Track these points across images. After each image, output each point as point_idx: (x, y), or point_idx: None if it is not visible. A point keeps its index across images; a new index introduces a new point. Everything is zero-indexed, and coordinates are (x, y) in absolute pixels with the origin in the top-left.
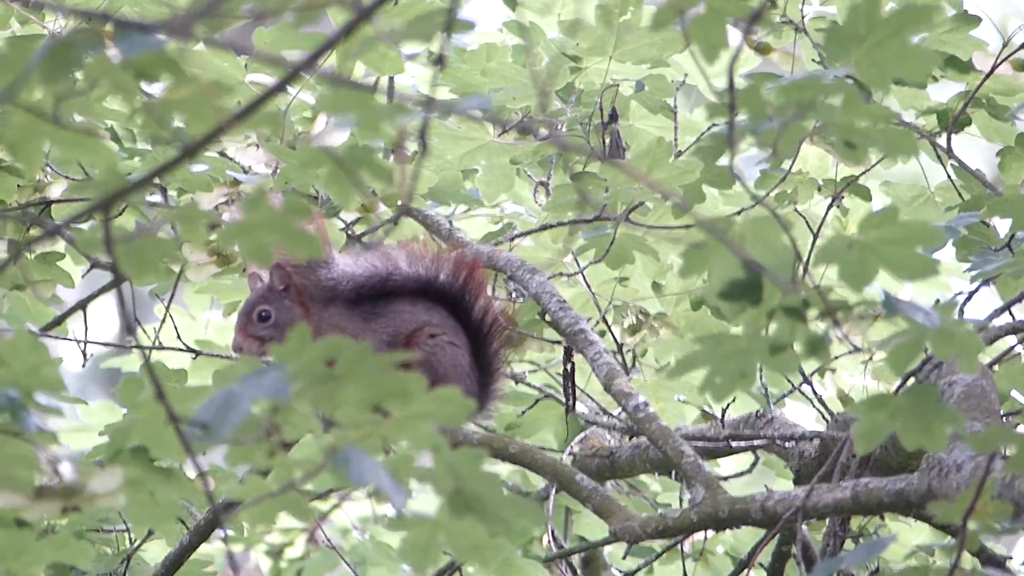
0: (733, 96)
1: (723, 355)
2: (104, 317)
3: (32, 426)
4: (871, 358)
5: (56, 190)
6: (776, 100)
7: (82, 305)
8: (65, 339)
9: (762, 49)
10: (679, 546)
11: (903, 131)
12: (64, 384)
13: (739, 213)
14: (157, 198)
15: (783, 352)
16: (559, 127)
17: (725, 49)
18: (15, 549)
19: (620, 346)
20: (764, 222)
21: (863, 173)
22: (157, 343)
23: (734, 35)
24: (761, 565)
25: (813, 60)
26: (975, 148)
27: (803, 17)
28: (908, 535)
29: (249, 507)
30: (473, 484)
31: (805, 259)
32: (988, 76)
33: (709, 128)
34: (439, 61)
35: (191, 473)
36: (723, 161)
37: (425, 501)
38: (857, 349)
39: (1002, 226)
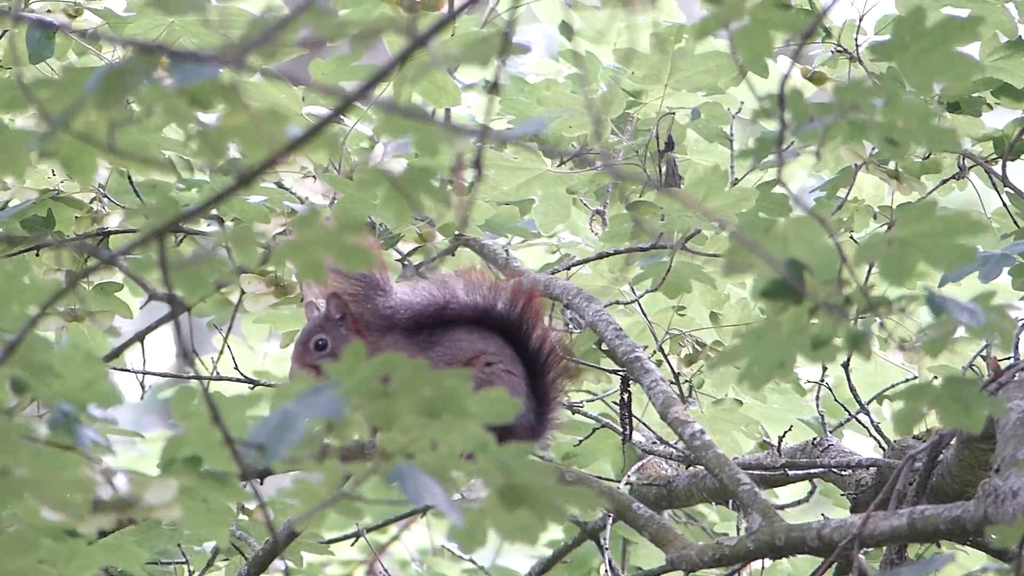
0: (783, 106)
1: (764, 347)
2: (162, 348)
3: (87, 441)
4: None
5: (113, 220)
6: (818, 105)
7: (140, 337)
8: (123, 370)
9: (817, 79)
10: (738, 574)
11: (944, 129)
12: (120, 396)
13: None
14: (215, 229)
15: (825, 347)
16: (615, 156)
17: (770, 58)
18: (66, 554)
19: (677, 376)
20: (806, 223)
21: (920, 200)
22: (215, 372)
23: (786, 63)
24: None
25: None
26: None
27: (857, 46)
28: (965, 563)
29: (305, 516)
30: (523, 477)
31: (849, 259)
32: None
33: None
34: (494, 88)
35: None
36: (772, 180)
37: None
38: (902, 348)
39: None
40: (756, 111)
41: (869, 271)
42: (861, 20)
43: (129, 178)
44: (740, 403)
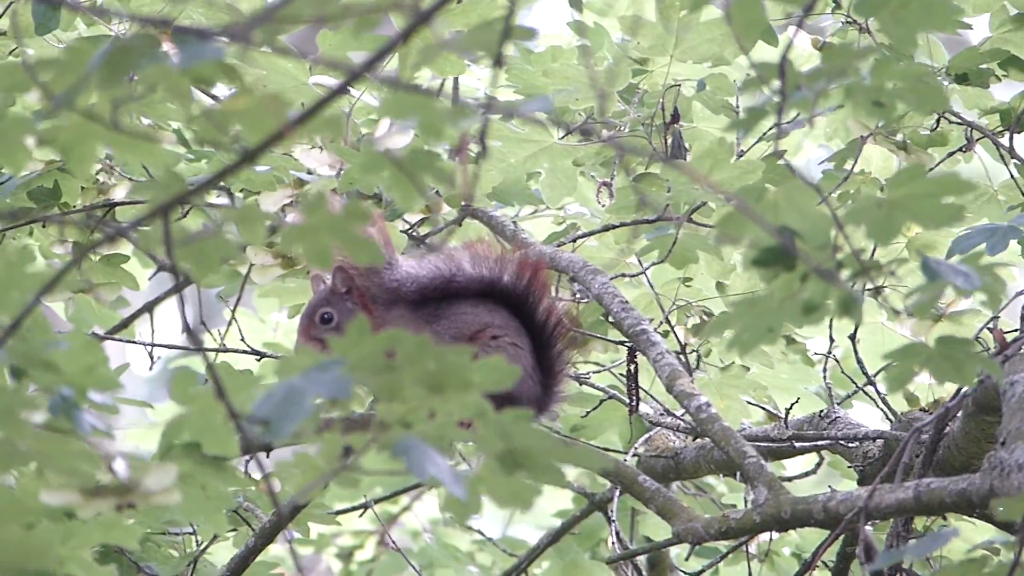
0: (784, 80)
1: (754, 315)
2: (173, 319)
3: (86, 426)
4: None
5: (120, 192)
6: (808, 72)
7: (148, 308)
8: (131, 342)
9: (826, 50)
10: (744, 547)
11: (932, 87)
12: (120, 383)
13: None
14: (223, 200)
15: (815, 312)
16: (621, 128)
17: (767, 35)
18: (63, 533)
19: (684, 346)
20: (797, 189)
21: (928, 172)
22: (222, 345)
23: (792, 31)
24: (826, 565)
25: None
26: None
27: (867, 18)
28: (972, 534)
29: (305, 489)
30: (522, 440)
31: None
32: None
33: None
34: (499, 63)
35: (253, 473)
36: (776, 152)
37: None
38: (896, 312)
39: None
40: (748, 80)
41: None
42: None
43: None
44: (747, 369)
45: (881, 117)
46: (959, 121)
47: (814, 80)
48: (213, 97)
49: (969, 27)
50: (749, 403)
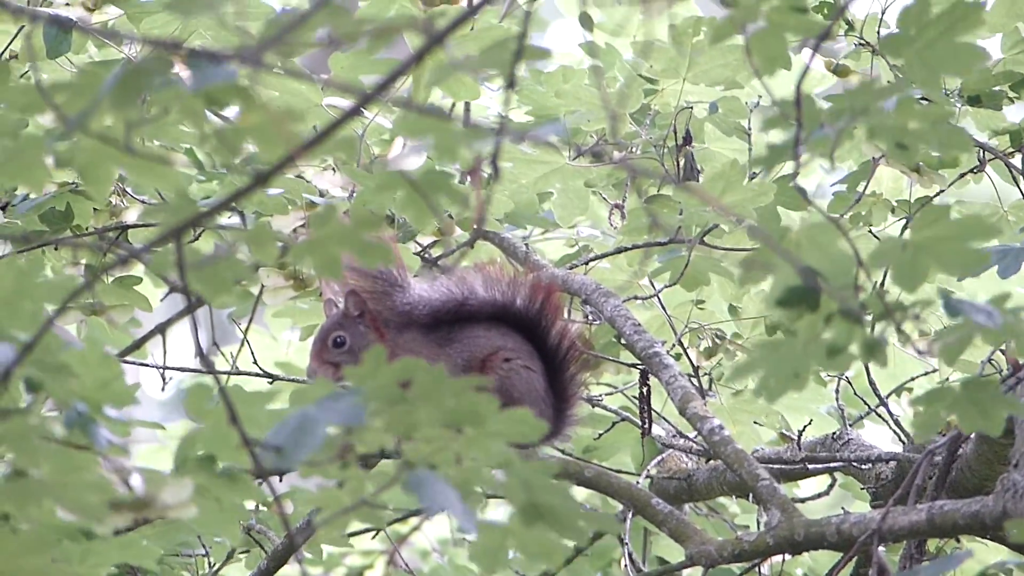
0: (800, 109)
1: (779, 359)
2: (186, 339)
3: (102, 440)
4: (948, 379)
5: (132, 215)
6: (831, 110)
7: (161, 329)
8: (143, 364)
9: (840, 72)
10: (757, 569)
11: (955, 129)
12: (135, 397)
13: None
14: (235, 221)
15: (840, 355)
16: (633, 150)
17: (786, 65)
18: (81, 552)
19: (696, 369)
20: (821, 228)
21: (937, 194)
22: (234, 367)
23: (806, 56)
24: None
25: (890, 82)
26: None
27: (880, 39)
28: (985, 556)
29: (324, 520)
30: (545, 496)
31: (865, 264)
32: None
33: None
34: (511, 84)
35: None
36: (789, 174)
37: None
38: (920, 352)
39: None
40: (771, 117)
41: (884, 277)
42: (884, 13)
43: None
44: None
45: (903, 160)
46: (964, 150)
47: (836, 118)
48: (225, 119)
49: (1012, 102)
50: (760, 425)
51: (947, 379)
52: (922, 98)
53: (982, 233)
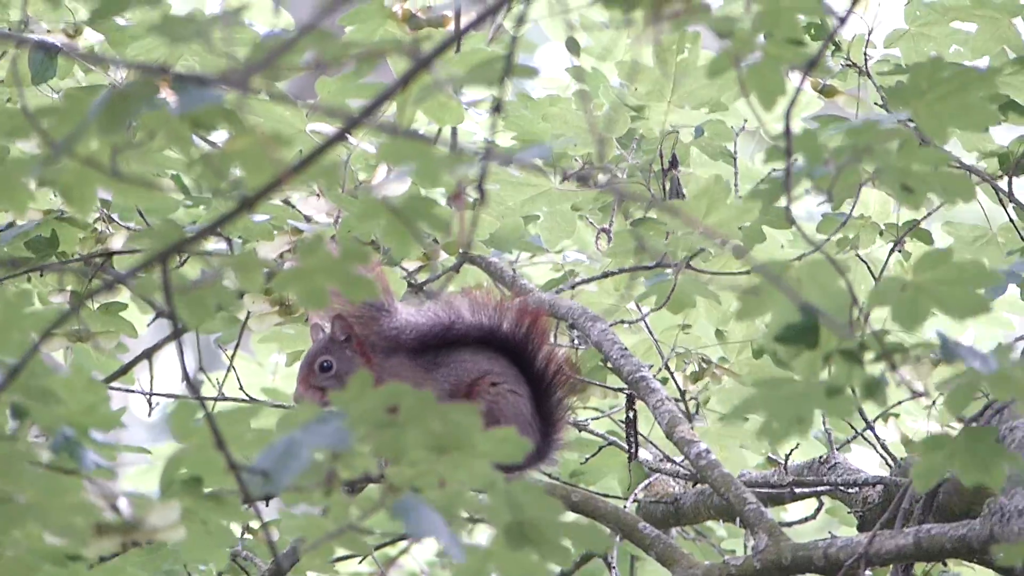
0: (790, 141)
1: (780, 399)
2: (173, 364)
3: (90, 463)
4: (934, 403)
5: (118, 241)
6: (833, 144)
7: (147, 355)
8: (129, 390)
9: (827, 92)
10: None
11: (960, 175)
12: (121, 421)
13: (800, 258)
14: (222, 246)
15: (840, 395)
16: (619, 174)
17: (783, 96)
18: None
19: (683, 393)
20: (820, 265)
21: (925, 217)
22: (220, 393)
23: (795, 79)
24: None
25: (876, 103)
26: None
27: (867, 60)
28: None
29: (310, 547)
30: (531, 513)
31: (861, 302)
32: None
33: (770, 173)
34: (497, 108)
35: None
36: (781, 203)
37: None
38: (917, 394)
39: None
40: (770, 151)
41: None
42: (870, 34)
43: None
44: (746, 419)
45: (909, 204)
46: (958, 165)
47: (839, 155)
48: (212, 144)
49: (998, 123)
50: (747, 449)
51: (933, 403)
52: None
53: (982, 278)
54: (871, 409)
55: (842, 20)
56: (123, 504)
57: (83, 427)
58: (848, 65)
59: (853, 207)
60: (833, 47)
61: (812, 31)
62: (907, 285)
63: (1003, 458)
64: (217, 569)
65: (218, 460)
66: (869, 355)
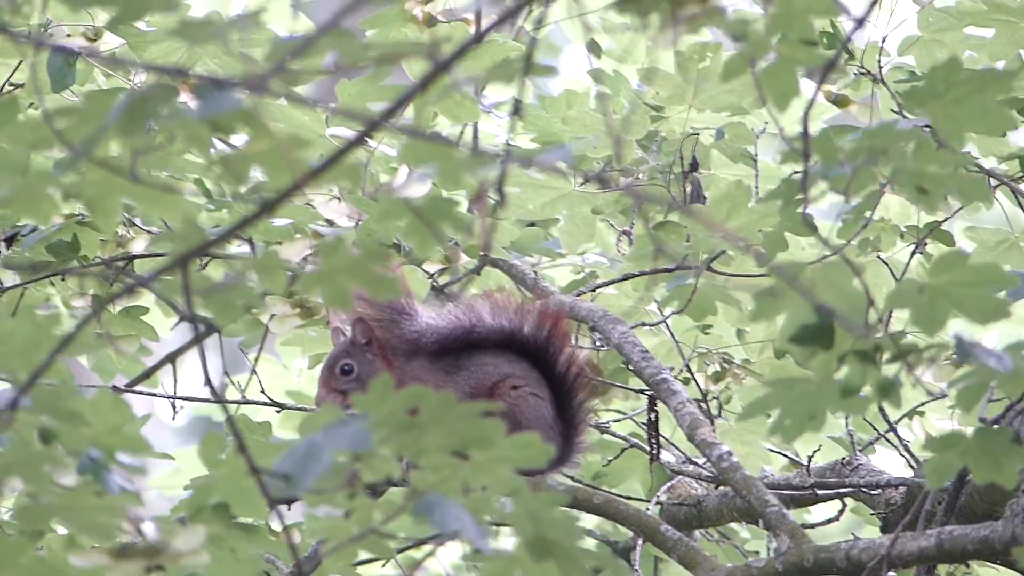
0: (807, 143)
1: (794, 398)
2: (198, 367)
3: (115, 487)
4: (955, 406)
5: (139, 245)
6: (849, 147)
7: (171, 358)
8: (152, 395)
9: (840, 102)
10: None
11: (976, 177)
12: (148, 444)
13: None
14: (245, 250)
15: (854, 395)
16: (639, 176)
17: (797, 97)
18: None
19: (704, 394)
20: (836, 267)
21: (946, 219)
22: (243, 396)
23: (809, 86)
24: None
25: (892, 111)
26: None
27: (880, 68)
28: None
29: (332, 550)
30: (552, 531)
31: (878, 304)
32: None
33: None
34: (516, 111)
35: (275, 525)
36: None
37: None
38: (935, 396)
39: None
40: (786, 153)
41: (889, 316)
42: (884, 41)
43: None
44: (768, 417)
45: (925, 205)
46: (977, 169)
47: (854, 156)
48: (232, 146)
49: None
50: (771, 451)
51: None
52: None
53: (999, 280)
54: (894, 411)
55: (859, 22)
56: (148, 527)
57: (109, 448)
58: (862, 73)
59: (874, 210)
60: (847, 55)
61: (825, 40)
62: (924, 288)
63: (1017, 457)
64: None
65: (247, 486)
66: (885, 356)
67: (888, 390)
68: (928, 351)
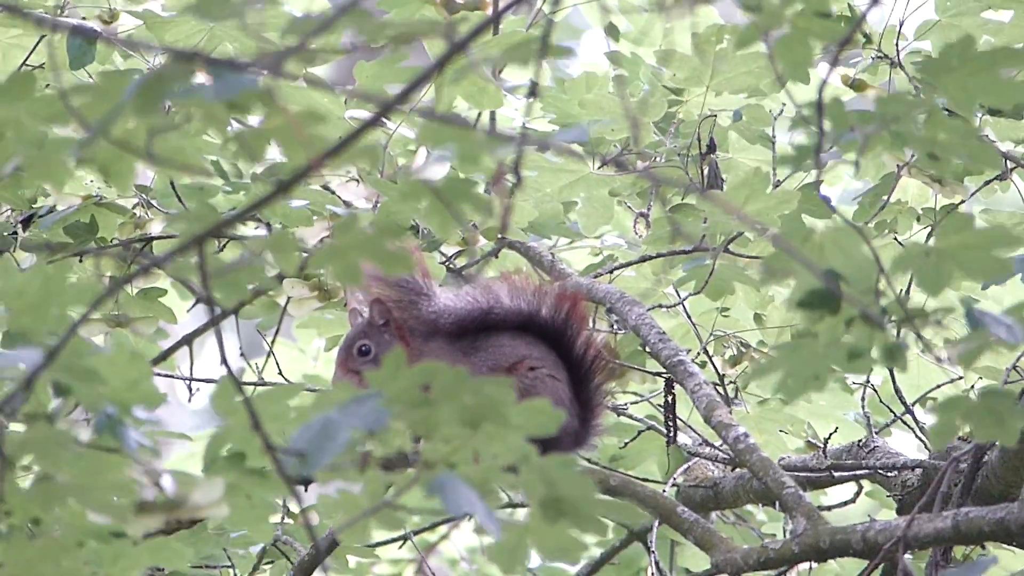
0: (821, 116)
1: (799, 360)
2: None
3: (132, 442)
4: (973, 387)
5: (156, 227)
6: (859, 114)
7: (187, 340)
8: (169, 376)
9: (858, 86)
10: None
11: (986, 144)
12: (163, 396)
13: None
14: (262, 232)
15: (860, 358)
16: (657, 159)
17: (811, 67)
18: (112, 555)
19: (721, 377)
20: (843, 233)
21: (962, 202)
22: (260, 378)
23: (825, 68)
24: None
25: (909, 95)
26: None
27: (898, 52)
28: (1011, 563)
29: (345, 524)
30: (565, 488)
31: (887, 271)
32: None
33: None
34: (533, 92)
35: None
36: (814, 182)
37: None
38: (950, 379)
39: None
40: (795, 120)
41: (909, 284)
42: (901, 26)
43: (172, 183)
44: (785, 402)
45: (935, 169)
46: (993, 165)
47: (865, 123)
48: (248, 126)
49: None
50: (786, 433)
51: (972, 387)
52: (948, 111)
53: (1006, 242)
54: (910, 392)
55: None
56: (167, 482)
57: (126, 405)
58: (879, 57)
59: (891, 193)
60: (863, 39)
61: (842, 23)
62: (930, 251)
63: (1019, 416)
64: (262, 541)
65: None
66: (891, 320)
67: (894, 354)
68: (935, 314)
